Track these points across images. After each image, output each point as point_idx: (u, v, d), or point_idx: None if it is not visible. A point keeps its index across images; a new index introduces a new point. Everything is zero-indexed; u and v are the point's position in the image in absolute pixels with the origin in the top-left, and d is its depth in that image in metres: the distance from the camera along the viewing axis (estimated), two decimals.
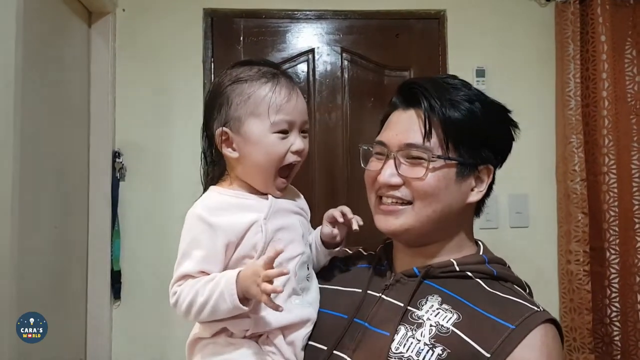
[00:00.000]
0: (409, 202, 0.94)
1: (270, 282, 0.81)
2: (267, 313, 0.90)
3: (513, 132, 1.00)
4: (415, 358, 0.83)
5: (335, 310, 0.97)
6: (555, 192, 2.24)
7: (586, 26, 2.19)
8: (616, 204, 2.16)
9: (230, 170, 0.99)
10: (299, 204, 1.03)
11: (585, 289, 2.11)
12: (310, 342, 0.95)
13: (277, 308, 0.83)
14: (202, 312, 0.87)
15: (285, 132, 0.93)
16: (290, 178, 0.99)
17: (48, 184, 1.67)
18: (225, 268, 0.91)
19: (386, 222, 0.96)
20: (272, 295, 0.83)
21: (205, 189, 1.00)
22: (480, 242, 1.03)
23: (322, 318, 0.97)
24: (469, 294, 0.90)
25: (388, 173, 0.94)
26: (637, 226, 2.17)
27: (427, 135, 0.92)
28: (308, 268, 0.98)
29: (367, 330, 0.91)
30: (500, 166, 1.02)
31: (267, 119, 0.92)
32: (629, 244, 2.16)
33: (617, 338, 2.14)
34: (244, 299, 0.85)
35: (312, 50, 2.24)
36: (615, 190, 2.16)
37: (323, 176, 2.19)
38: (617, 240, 2.16)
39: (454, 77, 1.00)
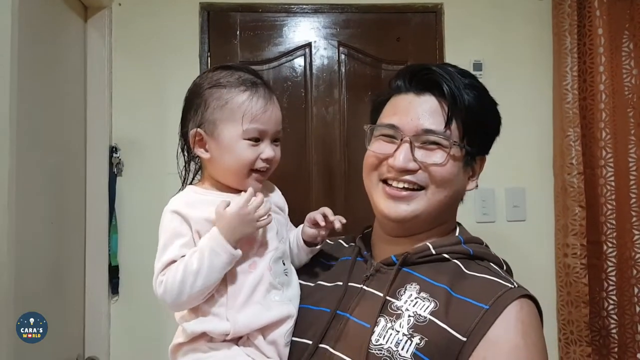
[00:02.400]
0: (422, 188, 0.95)
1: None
2: (246, 314, 0.92)
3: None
4: (395, 349, 0.84)
5: (319, 305, 0.98)
6: (552, 185, 2.24)
7: (583, 19, 2.18)
8: (613, 197, 2.16)
9: (205, 170, 1.02)
10: (275, 201, 1.05)
11: (582, 282, 2.12)
12: (295, 338, 0.96)
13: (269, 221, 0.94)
14: (197, 281, 0.89)
15: (256, 140, 0.97)
16: (263, 179, 1.02)
17: (45, 180, 1.67)
18: None
19: (396, 208, 0.96)
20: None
21: (182, 187, 1.04)
22: (458, 223, 1.05)
23: (307, 313, 0.98)
24: (446, 278, 0.91)
25: (403, 157, 0.94)
26: (634, 219, 2.17)
27: (449, 122, 0.93)
28: (284, 263, 1.00)
29: (349, 321, 0.93)
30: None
31: (240, 126, 0.95)
32: (626, 237, 2.17)
33: (614, 331, 2.15)
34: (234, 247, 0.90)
35: (309, 45, 2.24)
36: (613, 184, 2.16)
37: (320, 170, 2.19)
38: (614, 234, 2.16)
39: (452, 65, 1.01)
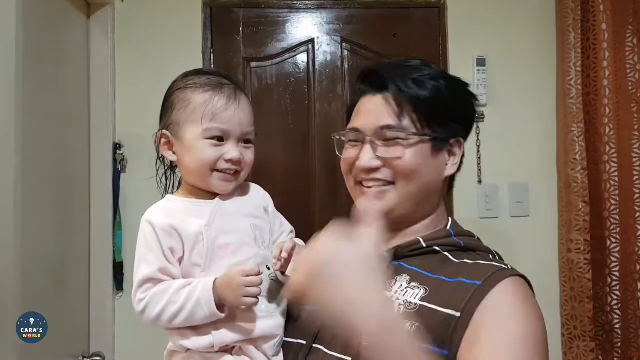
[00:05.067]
0: (391, 183, 0.96)
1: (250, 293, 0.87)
2: (229, 326, 0.92)
3: (474, 105, 1.05)
4: None
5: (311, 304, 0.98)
6: (555, 181, 2.24)
7: (587, 14, 2.18)
8: (617, 192, 2.16)
9: (180, 173, 1.02)
10: (254, 203, 1.03)
11: (586, 278, 2.12)
12: (288, 339, 0.96)
13: (252, 302, 0.87)
14: (176, 319, 0.89)
15: (220, 140, 0.96)
16: (236, 182, 1.00)
17: (49, 177, 1.67)
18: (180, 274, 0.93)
19: (372, 206, 0.96)
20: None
21: (164, 195, 1.04)
22: (450, 218, 1.05)
23: (300, 314, 0.97)
24: (437, 268, 0.91)
25: (365, 157, 0.97)
26: (637, 215, 2.16)
27: (399, 115, 0.95)
28: (269, 268, 0.97)
29: None
30: (466, 139, 1.05)
31: (200, 125, 0.95)
32: (630, 233, 2.16)
33: (617, 326, 2.15)
34: (220, 305, 0.88)
35: (312, 40, 2.23)
36: (616, 179, 2.15)
37: (323, 166, 2.19)
38: (618, 229, 2.16)
39: (414, 58, 1.03)
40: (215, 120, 0.95)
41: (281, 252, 0.96)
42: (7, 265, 1.37)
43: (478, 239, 1.02)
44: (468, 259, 0.93)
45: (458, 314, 0.82)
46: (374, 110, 0.98)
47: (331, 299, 0.70)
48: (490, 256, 0.97)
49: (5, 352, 1.34)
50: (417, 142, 0.95)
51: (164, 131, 0.99)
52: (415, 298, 0.87)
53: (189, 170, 0.99)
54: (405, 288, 0.90)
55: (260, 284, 0.88)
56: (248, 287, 0.86)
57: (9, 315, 1.35)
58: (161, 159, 1.05)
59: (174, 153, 1.00)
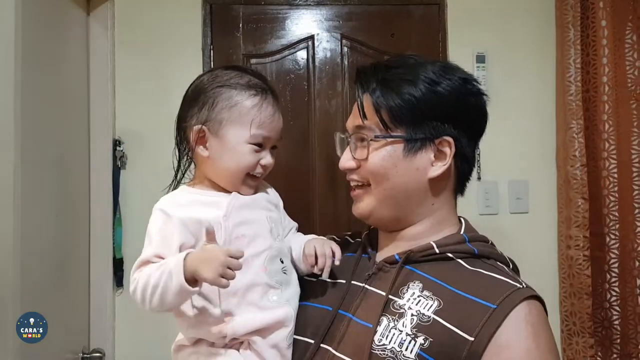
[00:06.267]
0: (368, 185, 0.97)
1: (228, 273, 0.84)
2: (241, 316, 0.91)
3: (478, 102, 1.00)
4: (398, 349, 0.83)
5: (321, 302, 0.98)
6: (555, 177, 2.24)
7: (587, 11, 2.17)
8: (616, 189, 2.16)
9: (199, 168, 1.01)
10: (268, 198, 1.04)
11: (585, 274, 2.12)
12: (295, 336, 0.95)
13: (226, 285, 0.84)
14: (153, 296, 0.87)
15: (259, 146, 0.97)
16: (256, 184, 1.02)
17: (49, 173, 1.67)
18: None
19: (355, 208, 1.01)
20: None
21: (177, 184, 1.03)
22: (463, 220, 1.02)
23: (309, 311, 0.97)
24: (450, 277, 0.90)
25: (345, 157, 0.99)
26: (637, 211, 2.17)
27: (365, 116, 0.95)
28: (282, 261, 0.98)
29: (351, 321, 0.92)
30: (478, 138, 1.02)
31: (248, 130, 0.96)
32: (629, 229, 2.17)
33: (616, 322, 2.15)
34: (192, 280, 0.85)
35: (311, 37, 2.23)
36: (615, 176, 2.16)
37: (323, 163, 2.19)
38: (617, 225, 2.17)
39: (410, 55, 1.00)
40: (262, 128, 0.97)
41: (316, 255, 0.98)
42: (7, 262, 1.37)
43: (492, 244, 1.00)
44: (482, 269, 0.91)
45: (472, 339, 0.81)
46: (354, 111, 1.00)
47: None
48: (505, 267, 0.95)
49: (5, 347, 1.34)
50: (383, 144, 0.94)
51: (203, 126, 0.97)
52: (428, 310, 0.85)
53: (222, 169, 0.98)
54: (418, 297, 0.88)
55: (239, 269, 0.85)
56: (228, 267, 0.84)
57: (9, 311, 1.35)
58: (185, 150, 1.02)
59: (206, 149, 0.98)
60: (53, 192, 1.71)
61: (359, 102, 0.97)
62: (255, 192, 1.02)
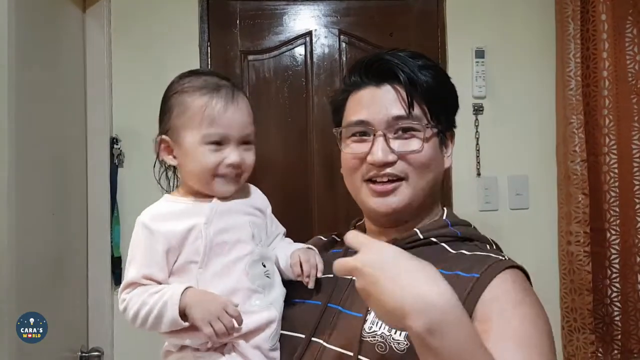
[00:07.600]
0: (402, 178, 0.94)
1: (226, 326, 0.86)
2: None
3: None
4: (388, 333, 0.83)
5: (310, 298, 0.97)
6: (555, 173, 2.23)
7: (586, 5, 2.16)
8: (617, 184, 2.15)
9: (180, 176, 1.01)
10: (251, 203, 1.02)
11: (586, 270, 2.11)
12: (287, 332, 0.95)
13: (210, 334, 0.86)
14: (147, 321, 0.89)
15: (218, 144, 0.94)
16: (238, 185, 0.99)
17: (46, 171, 1.67)
18: (170, 273, 0.93)
19: (385, 202, 0.95)
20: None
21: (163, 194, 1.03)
22: (445, 208, 1.04)
23: (298, 308, 0.97)
24: (435, 259, 0.88)
25: (382, 152, 0.93)
26: (637, 206, 2.16)
27: (410, 106, 0.92)
28: (264, 265, 0.97)
29: (340, 313, 0.92)
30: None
31: (199, 131, 0.93)
32: (630, 225, 2.16)
33: (617, 318, 2.15)
34: (184, 315, 0.87)
35: (309, 33, 2.22)
36: (616, 171, 2.15)
37: (321, 160, 2.18)
38: (618, 221, 2.16)
39: (404, 50, 0.99)
40: (213, 125, 0.93)
41: (301, 264, 0.97)
42: (4, 261, 1.37)
43: (474, 227, 1.01)
44: (465, 250, 0.92)
45: None
46: (384, 101, 0.94)
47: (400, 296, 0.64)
48: (488, 246, 0.96)
49: (2, 347, 1.34)
50: (430, 134, 0.94)
51: (164, 136, 0.98)
52: None
53: (190, 175, 0.98)
54: None
55: (232, 329, 0.87)
56: (221, 320, 0.85)
57: (6, 310, 1.35)
58: (161, 162, 1.03)
59: (175, 157, 0.98)
60: (50, 190, 1.71)
61: (405, 91, 0.93)
62: (235, 192, 0.99)
